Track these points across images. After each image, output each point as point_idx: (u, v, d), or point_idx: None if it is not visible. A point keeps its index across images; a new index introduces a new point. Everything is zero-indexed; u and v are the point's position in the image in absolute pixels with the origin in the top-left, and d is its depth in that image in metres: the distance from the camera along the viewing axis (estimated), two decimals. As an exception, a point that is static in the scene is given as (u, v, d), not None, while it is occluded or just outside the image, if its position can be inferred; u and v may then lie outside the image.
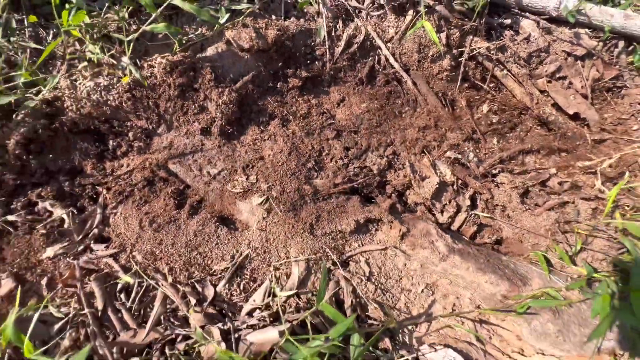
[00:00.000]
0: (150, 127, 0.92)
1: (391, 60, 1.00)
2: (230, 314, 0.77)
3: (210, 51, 0.88)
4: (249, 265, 0.77)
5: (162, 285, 0.77)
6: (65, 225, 0.82)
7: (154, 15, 0.81)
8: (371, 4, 1.01)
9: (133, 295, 0.78)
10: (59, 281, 0.78)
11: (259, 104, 0.94)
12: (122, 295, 0.78)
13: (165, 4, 0.79)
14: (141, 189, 0.85)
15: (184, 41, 0.89)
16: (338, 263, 0.73)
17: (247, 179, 0.82)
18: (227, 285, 0.76)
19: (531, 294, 0.64)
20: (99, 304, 0.76)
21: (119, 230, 0.82)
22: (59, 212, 0.82)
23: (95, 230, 0.82)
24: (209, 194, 0.84)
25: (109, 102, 0.89)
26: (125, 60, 0.89)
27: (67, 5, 0.84)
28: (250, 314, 0.75)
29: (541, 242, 0.78)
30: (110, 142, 0.93)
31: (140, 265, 0.79)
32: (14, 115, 0.87)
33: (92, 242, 0.81)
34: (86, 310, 0.74)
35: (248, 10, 0.90)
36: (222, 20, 0.85)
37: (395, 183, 0.85)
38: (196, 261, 0.79)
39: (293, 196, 0.79)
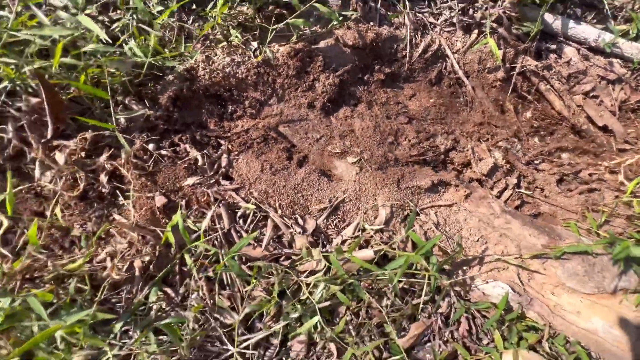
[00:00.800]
0: (263, 98, 1.17)
1: (456, 67, 1.24)
2: (325, 244, 0.99)
3: (322, 44, 1.13)
4: (342, 207, 1.00)
5: (273, 215, 1.00)
6: (199, 163, 1.06)
7: (298, 11, 1.06)
8: (444, 22, 1.26)
9: (249, 221, 1.01)
10: (194, 203, 1.02)
11: (351, 89, 1.18)
12: (241, 221, 1.01)
13: (309, 4, 1.04)
14: (258, 143, 1.09)
15: (299, 34, 1.15)
16: (416, 211, 0.96)
17: (343, 143, 1.06)
18: (324, 221, 0.99)
19: (566, 244, 0.85)
20: (225, 224, 0.99)
21: (241, 172, 1.06)
22: (194, 153, 1.07)
23: (223, 170, 1.06)
24: (312, 152, 1.08)
25: (237, 75, 1.14)
26: (254, 44, 1.15)
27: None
28: (342, 243, 0.97)
29: (572, 218, 0.99)
30: (230, 107, 1.18)
31: (256, 200, 1.02)
32: (165, 78, 1.13)
33: (220, 178, 1.05)
34: (217, 226, 0.98)
35: (353, 16, 1.15)
36: (334, 22, 1.11)
37: (458, 161, 1.08)
38: (299, 202, 1.02)
39: (380, 159, 1.02)
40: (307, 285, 0.90)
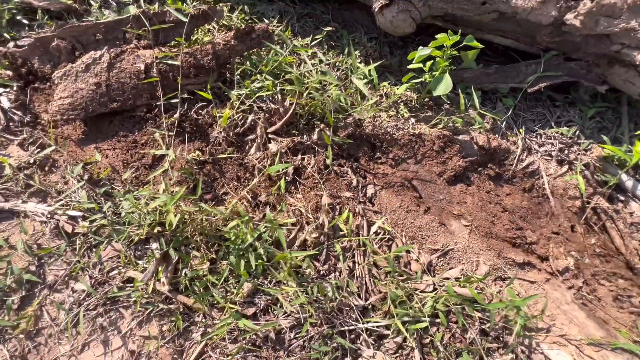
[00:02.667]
0: (403, 156, 1.59)
1: (546, 186, 1.64)
2: (432, 275, 1.31)
3: (460, 137, 1.57)
4: (450, 254, 1.33)
5: (399, 240, 1.34)
6: (354, 184, 1.45)
7: (463, 114, 1.53)
8: (545, 152, 1.69)
9: (379, 238, 1.35)
10: (344, 211, 1.38)
11: (468, 174, 1.59)
12: (373, 234, 1.36)
13: (475, 110, 1.51)
14: (398, 186, 1.48)
15: (446, 124, 1.61)
16: (512, 277, 1.27)
17: (459, 209, 1.43)
18: (435, 258, 1.32)
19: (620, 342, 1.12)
20: (365, 231, 1.34)
21: (382, 201, 1.43)
22: (352, 176, 1.46)
23: (369, 196, 1.44)
24: (434, 206, 1.45)
25: (394, 135, 1.58)
26: (412, 119, 1.61)
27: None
28: (445, 279, 1.29)
29: (622, 328, 1.26)
30: (377, 154, 1.61)
31: (389, 224, 1.37)
32: (347, 120, 1.59)
33: (367, 200, 1.43)
34: (361, 232, 1.32)
35: (486, 126, 1.61)
36: (475, 126, 1.56)
37: (538, 253, 1.41)
38: (419, 238, 1.36)
39: (485, 230, 1.37)
40: (419, 299, 1.20)
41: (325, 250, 1.26)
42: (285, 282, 1.14)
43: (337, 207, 1.37)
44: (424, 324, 1.12)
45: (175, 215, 1.07)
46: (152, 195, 1.18)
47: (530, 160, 1.65)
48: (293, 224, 1.25)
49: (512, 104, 1.67)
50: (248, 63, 1.48)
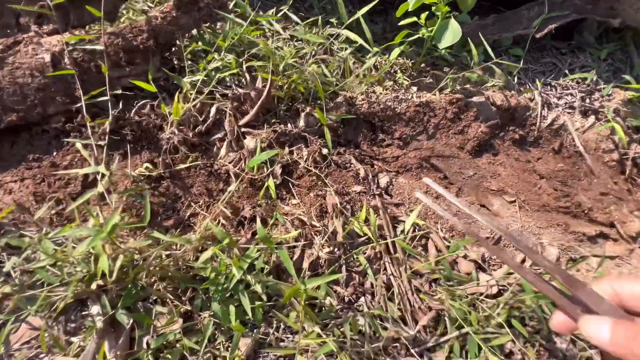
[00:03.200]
0: (412, 133, 1.30)
1: (577, 142, 1.40)
2: (488, 271, 0.99)
3: (475, 99, 1.30)
4: (503, 241, 1.03)
5: (435, 236, 1.02)
6: (361, 175, 1.12)
7: (475, 68, 1.26)
8: (565, 104, 1.46)
9: (409, 233, 1.03)
10: (359, 209, 1.05)
11: (490, 142, 1.32)
12: (399, 232, 1.03)
13: (483, 65, 1.24)
14: (416, 168, 1.17)
15: (454, 88, 1.34)
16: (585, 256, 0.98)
17: (498, 183, 1.14)
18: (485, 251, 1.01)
19: None
20: (390, 234, 1.01)
21: (401, 190, 1.11)
22: (358, 165, 1.14)
23: (383, 185, 1.12)
24: (465, 185, 1.15)
25: (396, 109, 1.29)
26: (414, 88, 1.33)
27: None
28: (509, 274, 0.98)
29: None
30: (380, 135, 1.30)
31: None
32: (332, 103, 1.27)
33: (383, 192, 1.10)
34: (386, 233, 0.99)
35: (499, 84, 1.36)
36: (488, 84, 1.30)
37: (601, 220, 1.14)
38: (458, 229, 1.05)
39: (536, 203, 1.08)
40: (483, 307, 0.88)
41: (344, 266, 0.92)
42: (301, 325, 0.77)
43: (348, 206, 1.04)
44: (505, 338, 0.79)
45: (116, 258, 0.69)
46: (80, 235, 0.78)
47: (553, 116, 1.42)
48: (296, 239, 0.89)
49: (522, 53, 1.44)
50: (200, 43, 1.13)
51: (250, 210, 0.99)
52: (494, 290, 0.90)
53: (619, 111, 1.42)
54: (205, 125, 1.06)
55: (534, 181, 1.23)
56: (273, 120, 1.13)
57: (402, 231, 1.03)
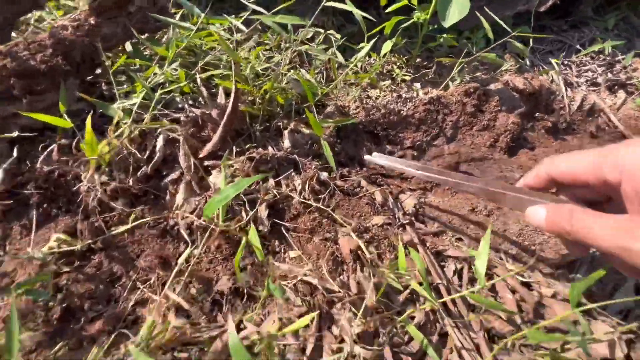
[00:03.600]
0: (426, 138, 1.03)
1: (616, 122, 1.17)
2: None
3: (492, 87, 1.06)
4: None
5: (498, 264, 0.71)
6: (379, 201, 0.82)
7: (490, 47, 1.03)
8: (586, 82, 1.26)
9: (454, 267, 0.71)
10: (386, 249, 0.73)
11: (523, 135, 1.06)
12: (454, 275, 0.71)
13: (496, 43, 1.01)
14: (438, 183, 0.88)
15: (463, 78, 1.10)
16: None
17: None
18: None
19: None
20: (434, 275, 0.69)
21: (435, 213, 0.81)
22: (372, 188, 0.84)
23: (411, 210, 0.82)
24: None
25: (401, 112, 1.02)
26: (417, 84, 1.08)
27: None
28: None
29: None
30: (387, 147, 1.02)
31: (469, 248, 0.74)
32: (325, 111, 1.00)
33: (412, 218, 0.80)
34: (440, 282, 0.67)
35: (512, 68, 1.13)
36: (504, 67, 1.07)
37: None
38: (528, 248, 0.75)
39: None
40: None
41: (388, 348, 0.57)
42: None
43: (372, 247, 0.72)
44: None
45: None
46: None
47: (580, 96, 1.20)
48: (306, 326, 0.55)
49: (529, 30, 1.25)
50: (137, 58, 0.84)
51: (228, 281, 0.65)
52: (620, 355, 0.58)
53: (650, 81, 1.22)
54: (151, 164, 0.74)
55: (590, 174, 0.97)
56: (247, 146, 0.82)
57: (455, 272, 0.71)
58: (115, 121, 0.74)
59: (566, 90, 1.20)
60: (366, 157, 0.75)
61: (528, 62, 1.22)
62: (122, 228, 0.69)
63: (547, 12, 1.43)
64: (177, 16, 1.06)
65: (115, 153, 0.74)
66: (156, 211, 0.74)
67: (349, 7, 0.70)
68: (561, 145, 1.11)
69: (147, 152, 0.76)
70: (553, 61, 1.23)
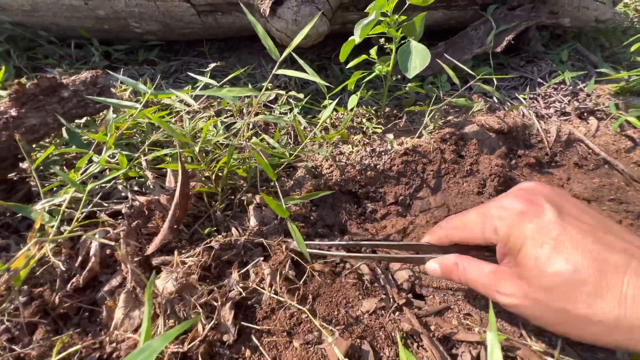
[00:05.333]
0: (409, 192, 0.94)
1: (597, 150, 1.14)
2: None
3: (467, 129, 1.02)
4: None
5: (521, 346, 0.58)
6: (367, 278, 0.69)
7: (457, 91, 1.00)
8: (556, 113, 1.25)
9: (469, 356, 0.57)
10: (384, 344, 0.58)
11: (510, 175, 1.00)
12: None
13: (463, 88, 0.98)
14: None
15: (435, 124, 1.06)
16: None
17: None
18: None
19: None
20: (454, 379, 0.54)
21: (435, 282, 0.69)
22: (357, 262, 0.72)
23: (405, 285, 0.69)
24: (518, 245, 0.76)
25: (377, 167, 0.95)
26: (390, 135, 1.02)
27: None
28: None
29: None
30: (369, 206, 0.93)
31: (482, 327, 0.61)
32: (296, 173, 0.91)
33: (409, 296, 0.67)
34: (450, 386, 0.52)
35: (485, 107, 1.11)
36: (475, 109, 1.04)
37: None
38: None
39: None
40: None
41: None
42: None
43: (366, 345, 0.58)
44: None
45: None
46: None
47: (554, 127, 1.18)
48: None
49: (490, 70, 1.25)
50: (73, 146, 0.74)
51: None
52: None
53: (617, 105, 1.22)
54: (83, 274, 0.60)
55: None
56: (206, 231, 0.70)
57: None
58: (37, 225, 0.61)
59: (539, 122, 1.18)
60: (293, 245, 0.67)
61: (496, 100, 1.21)
62: (42, 365, 0.53)
63: (503, 52, 1.49)
64: (127, 93, 0.99)
65: (39, 264, 0.60)
66: (92, 332, 0.58)
67: (305, 75, 0.65)
68: (549, 180, 1.05)
69: (80, 258, 0.62)
70: (520, 96, 1.23)
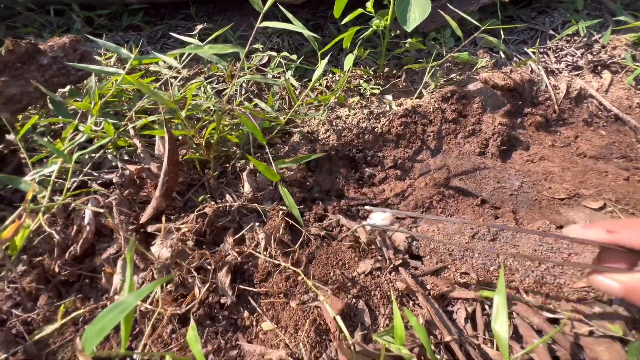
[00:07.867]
0: (408, 155, 0.91)
1: (609, 106, 1.08)
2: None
3: (470, 87, 0.96)
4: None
5: (523, 316, 0.58)
6: (364, 240, 0.69)
7: (460, 46, 0.94)
8: (567, 67, 1.18)
9: (464, 313, 0.58)
10: (379, 302, 0.59)
11: (512, 133, 0.96)
12: (461, 320, 0.58)
13: (467, 40, 0.92)
14: (438, 202, 0.76)
15: (437, 82, 1.00)
16: None
17: (561, 185, 0.75)
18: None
19: None
20: (440, 328, 0.55)
21: (432, 244, 0.68)
22: (353, 224, 0.71)
23: (402, 246, 0.69)
24: (518, 205, 0.74)
25: (375, 130, 0.91)
26: (389, 97, 0.97)
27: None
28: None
29: None
30: (367, 170, 0.90)
31: (477, 283, 0.61)
32: (291, 139, 0.88)
33: (406, 256, 0.67)
34: (439, 331, 0.53)
35: (490, 63, 1.04)
36: (479, 65, 0.98)
37: None
38: (549, 282, 0.62)
39: (630, 199, 0.69)
40: None
41: None
42: None
43: (361, 302, 0.58)
44: None
45: None
46: None
47: (564, 83, 1.11)
48: None
49: (498, 22, 1.17)
50: (60, 116, 0.72)
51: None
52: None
53: (634, 56, 1.14)
54: (80, 242, 0.61)
55: (595, 168, 0.86)
56: (200, 198, 0.70)
57: (467, 319, 0.58)
58: (29, 196, 0.60)
59: (548, 78, 1.11)
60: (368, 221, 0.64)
61: (503, 55, 1.14)
62: (48, 329, 0.55)
63: (512, 2, 1.38)
64: (112, 60, 0.95)
65: (35, 234, 0.60)
66: (94, 297, 0.60)
67: (294, 27, 0.60)
68: (557, 139, 1.00)
69: (74, 229, 0.62)
70: (529, 50, 1.15)
